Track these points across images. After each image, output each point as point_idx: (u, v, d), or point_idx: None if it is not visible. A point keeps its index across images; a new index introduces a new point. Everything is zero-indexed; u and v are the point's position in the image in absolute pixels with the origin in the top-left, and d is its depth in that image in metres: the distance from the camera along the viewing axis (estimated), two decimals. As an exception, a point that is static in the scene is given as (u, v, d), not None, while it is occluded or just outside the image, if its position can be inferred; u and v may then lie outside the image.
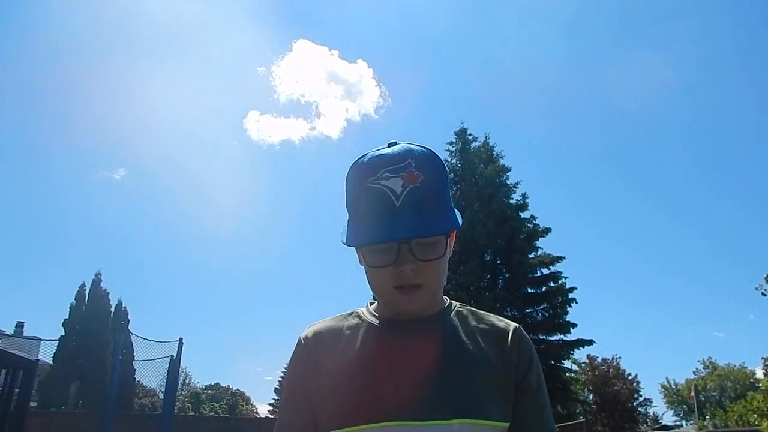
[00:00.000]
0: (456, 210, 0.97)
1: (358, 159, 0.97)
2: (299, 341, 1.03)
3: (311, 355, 0.99)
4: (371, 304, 1.06)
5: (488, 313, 1.06)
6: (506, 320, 1.05)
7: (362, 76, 66.69)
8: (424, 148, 0.96)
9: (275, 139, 66.41)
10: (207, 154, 59.76)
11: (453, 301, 1.07)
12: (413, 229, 0.89)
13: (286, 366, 1.09)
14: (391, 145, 0.96)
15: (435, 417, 0.88)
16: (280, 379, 39.74)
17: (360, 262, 0.99)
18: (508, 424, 0.94)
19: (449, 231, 0.95)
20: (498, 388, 0.95)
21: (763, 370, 8.18)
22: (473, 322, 1.02)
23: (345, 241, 0.94)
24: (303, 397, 0.98)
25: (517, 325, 1.04)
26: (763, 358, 8.53)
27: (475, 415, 0.90)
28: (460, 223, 0.95)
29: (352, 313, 1.06)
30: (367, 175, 0.93)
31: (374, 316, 1.03)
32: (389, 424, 0.88)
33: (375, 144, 0.98)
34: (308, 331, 1.03)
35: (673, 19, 56.95)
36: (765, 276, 9.74)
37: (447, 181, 0.98)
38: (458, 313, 1.04)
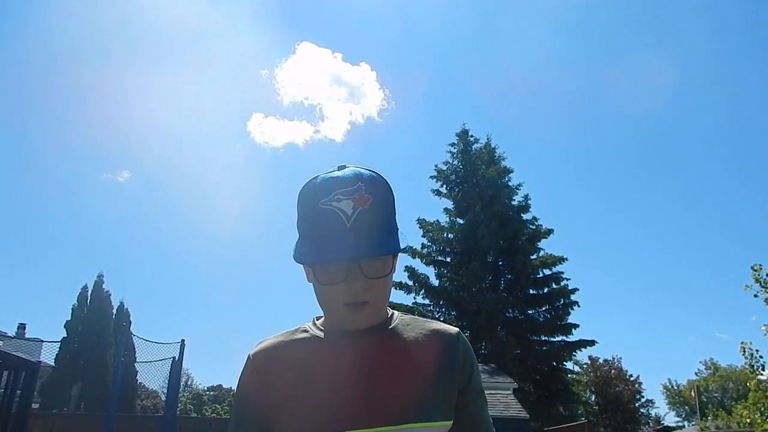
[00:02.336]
0: (401, 232, 1.03)
1: (310, 180, 1.01)
2: (248, 358, 1.06)
3: (260, 371, 1.03)
4: (318, 319, 1.11)
5: (429, 320, 1.14)
6: (447, 326, 1.12)
7: (365, 78, 66.28)
8: (373, 172, 1.02)
9: (279, 141, 66.18)
10: (210, 156, 59.73)
11: (395, 312, 1.13)
12: (363, 249, 0.94)
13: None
14: (341, 168, 1.01)
15: (384, 423, 0.95)
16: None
17: (308, 279, 1.02)
18: (450, 423, 1.02)
19: (396, 252, 1.00)
20: (442, 390, 1.02)
21: (745, 357, 7.88)
22: (416, 330, 1.09)
23: (297, 258, 0.98)
24: (252, 412, 1.03)
25: (458, 329, 1.12)
26: (741, 343, 8.25)
27: (422, 418, 0.97)
28: (402, 246, 1.01)
29: (299, 328, 1.10)
30: (321, 197, 0.97)
31: (321, 330, 1.07)
32: None
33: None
34: (257, 348, 1.07)
35: (673, 20, 56.95)
36: (752, 274, 8.81)
37: (394, 205, 1.03)
38: (401, 321, 1.10)
